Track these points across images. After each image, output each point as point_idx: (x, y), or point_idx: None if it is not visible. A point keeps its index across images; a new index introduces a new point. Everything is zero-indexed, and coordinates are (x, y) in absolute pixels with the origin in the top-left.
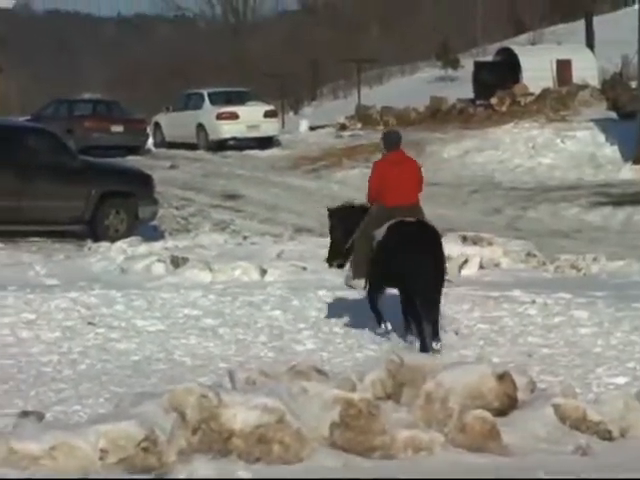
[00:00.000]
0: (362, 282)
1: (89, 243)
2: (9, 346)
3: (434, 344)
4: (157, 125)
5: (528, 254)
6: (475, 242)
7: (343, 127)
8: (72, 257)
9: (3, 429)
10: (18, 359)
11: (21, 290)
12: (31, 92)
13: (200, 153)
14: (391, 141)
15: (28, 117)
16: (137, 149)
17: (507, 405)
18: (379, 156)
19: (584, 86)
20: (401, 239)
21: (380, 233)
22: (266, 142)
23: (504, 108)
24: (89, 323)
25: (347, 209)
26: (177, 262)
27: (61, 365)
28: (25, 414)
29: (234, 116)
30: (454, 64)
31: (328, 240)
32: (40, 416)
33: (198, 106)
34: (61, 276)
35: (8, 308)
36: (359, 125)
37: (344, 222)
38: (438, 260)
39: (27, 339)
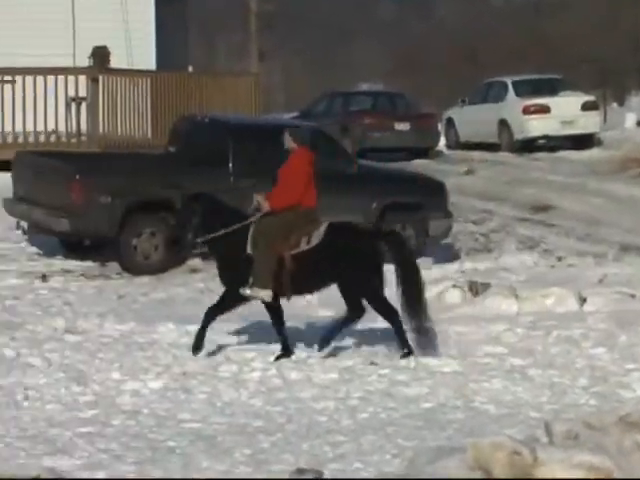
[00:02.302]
0: (268, 292)
1: None
2: (276, 390)
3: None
4: (450, 122)
5: None
6: None
7: None
8: None
9: None
10: (287, 406)
11: (288, 321)
12: (296, 83)
13: (503, 155)
14: (306, 136)
15: (296, 114)
16: (426, 151)
17: None
18: None
19: None
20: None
21: (318, 236)
22: (584, 141)
23: None
24: (371, 363)
25: (218, 204)
26: (476, 289)
27: (338, 413)
28: (300, 472)
29: (544, 110)
30: None
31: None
32: (318, 474)
33: (500, 98)
34: (337, 305)
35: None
36: None
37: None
38: None
39: (297, 381)
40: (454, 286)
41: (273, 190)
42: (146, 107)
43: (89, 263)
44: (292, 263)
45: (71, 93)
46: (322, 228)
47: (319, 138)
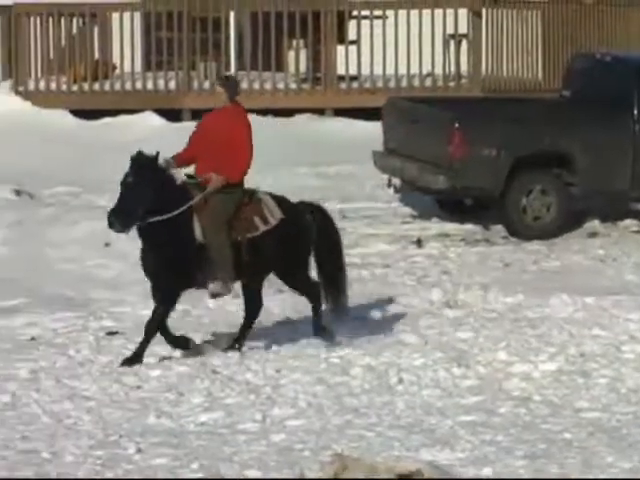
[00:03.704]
0: (230, 286)
1: None
2: None
3: None
4: None
5: None
6: None
7: None
8: None
9: None
10: None
11: None
12: None
13: None
14: (238, 88)
15: None
16: None
17: None
18: None
19: None
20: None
21: (273, 213)
22: None
23: None
24: None
25: (165, 174)
26: None
27: None
28: None
29: None
30: None
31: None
32: None
33: None
34: None
35: None
36: None
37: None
38: None
39: None
40: None
41: (214, 159)
42: (536, 44)
43: (470, 226)
44: (250, 248)
45: (450, 30)
46: (270, 203)
47: None
